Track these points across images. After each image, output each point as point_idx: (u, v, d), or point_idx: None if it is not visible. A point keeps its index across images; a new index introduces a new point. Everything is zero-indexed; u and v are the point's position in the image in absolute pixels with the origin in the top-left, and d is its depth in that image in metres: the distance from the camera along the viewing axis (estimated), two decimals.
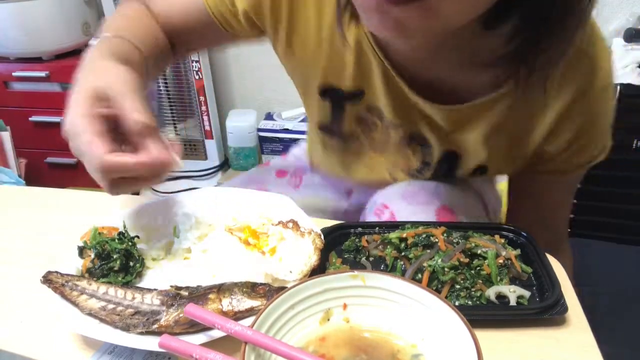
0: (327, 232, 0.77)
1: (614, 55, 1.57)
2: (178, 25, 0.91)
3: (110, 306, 0.64)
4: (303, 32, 0.82)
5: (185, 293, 0.64)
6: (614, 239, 1.48)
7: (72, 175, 2.26)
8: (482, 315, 0.64)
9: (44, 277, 0.68)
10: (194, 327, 0.60)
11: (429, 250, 0.71)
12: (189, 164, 2.29)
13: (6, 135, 1.98)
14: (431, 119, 0.82)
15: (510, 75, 0.73)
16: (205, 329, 0.59)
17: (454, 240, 0.72)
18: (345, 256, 0.77)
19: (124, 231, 0.77)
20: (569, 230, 1.58)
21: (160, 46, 0.89)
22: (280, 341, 0.52)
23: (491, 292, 0.66)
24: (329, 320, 0.59)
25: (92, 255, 0.73)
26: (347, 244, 0.78)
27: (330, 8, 0.78)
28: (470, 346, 0.49)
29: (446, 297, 0.66)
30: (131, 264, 0.73)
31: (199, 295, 0.63)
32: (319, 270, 0.70)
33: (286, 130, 2.14)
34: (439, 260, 0.68)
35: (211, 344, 0.57)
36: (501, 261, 0.69)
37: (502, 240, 0.74)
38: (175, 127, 2.26)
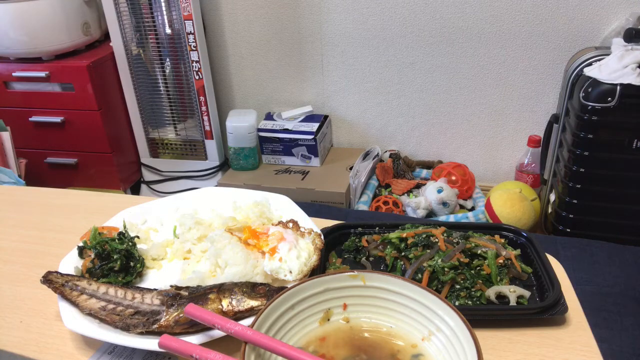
0: (327, 232, 0.77)
1: (614, 55, 1.57)
2: None
3: (110, 306, 0.64)
4: None
5: (185, 293, 0.64)
6: (614, 239, 1.48)
7: (72, 175, 2.26)
8: (482, 315, 0.64)
9: (44, 277, 0.68)
10: (194, 327, 0.60)
11: (429, 250, 0.71)
12: (189, 164, 2.29)
13: (6, 135, 1.98)
14: None
15: None
16: (205, 329, 0.59)
17: (454, 240, 0.72)
18: (345, 256, 0.77)
19: (124, 231, 0.77)
20: (568, 230, 1.58)
21: None
22: (280, 341, 0.52)
23: (491, 292, 0.66)
24: (329, 320, 0.59)
25: (92, 255, 0.73)
26: (347, 244, 0.78)
27: None
28: (470, 346, 0.49)
29: (446, 297, 0.66)
30: (131, 264, 0.73)
31: (199, 295, 0.63)
32: (319, 270, 0.69)
33: (286, 131, 2.14)
34: (439, 260, 0.68)
35: (211, 344, 0.57)
36: (501, 261, 0.69)
37: (502, 240, 0.74)
38: (175, 127, 2.25)
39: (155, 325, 0.60)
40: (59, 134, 2.17)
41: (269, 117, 2.26)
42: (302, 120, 2.20)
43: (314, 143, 2.12)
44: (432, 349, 0.54)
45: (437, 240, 0.72)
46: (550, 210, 1.83)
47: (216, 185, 2.18)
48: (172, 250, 0.78)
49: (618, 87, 1.51)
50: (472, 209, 1.99)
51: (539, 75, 1.94)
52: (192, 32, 1.99)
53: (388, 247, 0.74)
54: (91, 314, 0.63)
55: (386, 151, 2.23)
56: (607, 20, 1.79)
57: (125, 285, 0.68)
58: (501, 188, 1.96)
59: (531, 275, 0.70)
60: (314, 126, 2.14)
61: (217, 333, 0.59)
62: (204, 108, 2.15)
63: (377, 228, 0.80)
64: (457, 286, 0.67)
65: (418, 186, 2.06)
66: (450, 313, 0.52)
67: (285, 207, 0.82)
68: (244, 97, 2.35)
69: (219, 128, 2.25)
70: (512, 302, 0.65)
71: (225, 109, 2.34)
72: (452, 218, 1.89)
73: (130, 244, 0.75)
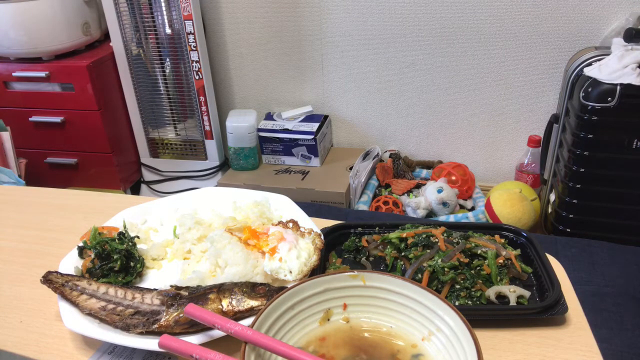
0: (327, 232, 0.77)
1: (614, 55, 1.57)
2: None
3: (110, 306, 0.64)
4: None
5: (185, 293, 0.64)
6: (614, 239, 1.48)
7: (72, 175, 2.26)
8: (482, 315, 0.64)
9: (44, 277, 0.68)
10: (194, 327, 0.60)
11: (429, 250, 0.71)
12: (189, 164, 2.29)
13: (6, 135, 1.98)
14: None
15: None
16: (205, 329, 0.59)
17: (454, 240, 0.72)
18: (345, 256, 0.77)
19: (124, 231, 0.77)
20: (568, 230, 1.58)
21: None
22: (280, 341, 0.52)
23: (491, 292, 0.66)
24: (329, 320, 0.59)
25: (92, 255, 0.73)
26: (347, 244, 0.78)
27: None
28: (470, 346, 0.49)
29: (446, 297, 0.66)
30: (131, 264, 0.73)
31: (199, 295, 0.63)
32: (319, 270, 0.69)
33: (286, 131, 2.14)
34: (439, 260, 0.68)
35: (211, 344, 0.57)
36: (501, 261, 0.69)
37: (502, 240, 0.74)
38: (175, 127, 2.25)
39: (155, 325, 0.60)
40: (59, 134, 2.17)
41: (269, 117, 2.26)
42: (302, 120, 2.20)
43: (314, 143, 2.11)
44: (432, 349, 0.54)
45: (437, 240, 0.72)
46: (550, 210, 1.83)
47: (216, 185, 2.18)
48: (172, 250, 0.78)
49: (618, 87, 1.51)
50: (472, 209, 1.99)
51: (539, 75, 1.94)
52: (192, 32, 1.99)
53: (388, 247, 0.74)
54: (91, 314, 0.63)
55: (386, 151, 2.23)
56: (607, 20, 1.79)
57: (125, 285, 0.68)
58: (501, 188, 1.96)
59: (531, 275, 0.70)
60: (314, 126, 2.14)
61: (217, 333, 0.59)
62: (204, 108, 2.15)
63: (377, 228, 0.80)
64: (457, 286, 0.67)
65: (418, 186, 2.06)
66: (450, 313, 0.52)
67: (285, 207, 0.82)
68: (244, 97, 2.35)
69: (219, 128, 2.25)
70: (512, 302, 0.65)
71: (225, 109, 2.34)
72: (452, 218, 1.89)
73: (130, 244, 0.75)
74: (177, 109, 2.23)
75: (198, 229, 0.78)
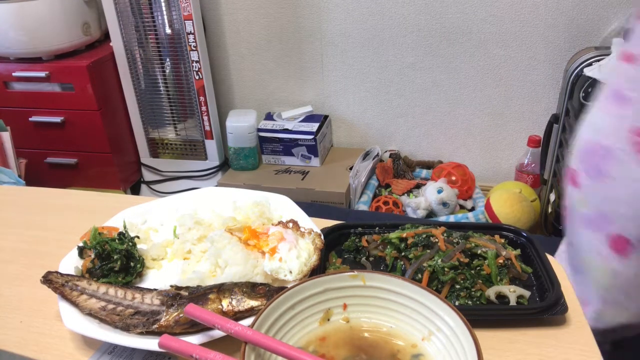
0: (327, 232, 0.77)
1: (613, 55, 1.57)
2: None
3: (110, 306, 0.64)
4: None
5: (185, 293, 0.64)
6: None
7: (72, 175, 2.26)
8: (482, 315, 0.64)
9: (44, 277, 0.68)
10: (194, 327, 0.60)
11: (429, 250, 0.71)
12: (189, 164, 2.30)
13: (6, 135, 1.98)
14: None
15: None
16: (205, 329, 0.59)
17: (454, 240, 0.72)
18: (345, 256, 0.77)
19: (124, 231, 0.77)
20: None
21: None
22: (280, 341, 0.52)
23: (491, 292, 0.66)
24: (329, 320, 0.59)
25: (92, 255, 0.73)
26: (347, 244, 0.78)
27: None
28: (470, 346, 0.49)
29: (446, 297, 0.66)
30: (132, 264, 0.73)
31: (199, 295, 0.63)
32: (319, 270, 0.69)
33: (286, 131, 2.14)
34: (439, 260, 0.68)
35: (211, 344, 0.57)
36: (501, 261, 0.69)
37: (502, 240, 0.74)
38: (175, 127, 2.25)
39: (155, 325, 0.60)
40: (59, 134, 2.17)
41: (269, 117, 2.26)
42: (302, 120, 2.20)
43: (314, 143, 2.12)
44: (432, 349, 0.54)
45: (437, 240, 0.72)
46: (550, 210, 1.83)
47: (216, 185, 2.18)
48: (172, 250, 0.78)
49: None
50: (472, 209, 1.99)
51: (539, 75, 1.94)
52: (192, 32, 1.99)
53: (388, 247, 0.74)
54: (91, 314, 0.63)
55: (386, 151, 2.23)
56: (607, 20, 1.79)
57: (125, 286, 0.68)
58: (501, 188, 1.96)
59: (531, 275, 0.70)
60: (314, 126, 2.14)
61: (217, 333, 0.59)
62: (204, 108, 2.15)
63: (377, 228, 0.79)
64: (457, 286, 0.67)
65: (418, 186, 2.06)
66: (450, 313, 0.52)
67: (285, 207, 0.82)
68: (244, 97, 2.36)
69: (219, 128, 2.25)
70: (512, 302, 0.65)
71: (225, 109, 2.34)
72: (452, 218, 1.89)
73: (130, 244, 0.75)
74: (177, 109, 2.23)
75: (198, 229, 0.78)
